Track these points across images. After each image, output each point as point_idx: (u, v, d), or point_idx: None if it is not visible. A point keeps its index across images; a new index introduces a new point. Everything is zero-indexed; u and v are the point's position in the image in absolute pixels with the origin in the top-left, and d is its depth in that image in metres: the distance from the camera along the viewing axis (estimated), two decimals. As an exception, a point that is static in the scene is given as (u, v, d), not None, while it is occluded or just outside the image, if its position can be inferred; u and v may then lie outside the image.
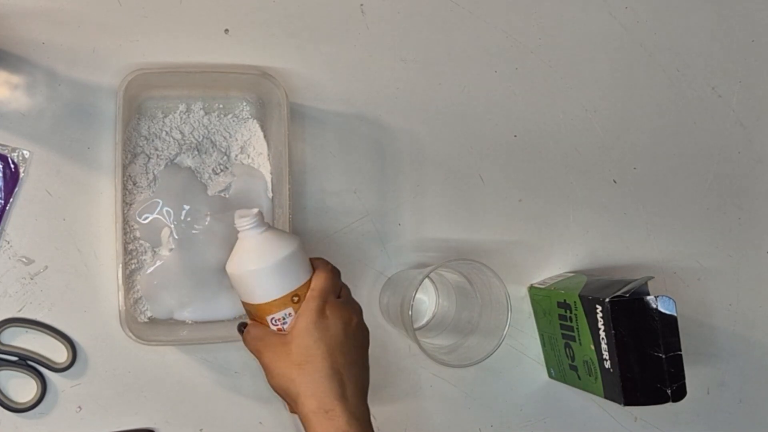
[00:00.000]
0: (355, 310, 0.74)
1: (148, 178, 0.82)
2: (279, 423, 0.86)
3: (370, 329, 0.75)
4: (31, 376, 0.80)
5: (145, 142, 0.83)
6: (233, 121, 0.86)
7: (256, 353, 0.73)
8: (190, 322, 0.84)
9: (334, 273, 0.74)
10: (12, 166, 0.80)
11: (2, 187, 0.80)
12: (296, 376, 0.70)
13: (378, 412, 0.88)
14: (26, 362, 0.80)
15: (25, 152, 0.81)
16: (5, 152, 0.80)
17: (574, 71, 0.94)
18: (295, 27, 0.87)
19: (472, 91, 0.92)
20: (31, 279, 0.81)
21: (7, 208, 0.80)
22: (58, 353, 0.81)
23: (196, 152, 0.84)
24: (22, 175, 0.80)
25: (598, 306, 0.80)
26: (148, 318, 0.83)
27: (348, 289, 0.76)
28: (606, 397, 0.83)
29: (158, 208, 0.82)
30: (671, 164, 0.97)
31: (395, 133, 0.90)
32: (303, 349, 0.70)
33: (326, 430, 0.68)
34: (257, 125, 0.86)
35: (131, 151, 0.82)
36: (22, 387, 0.81)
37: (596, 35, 0.95)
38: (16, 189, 0.80)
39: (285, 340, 0.71)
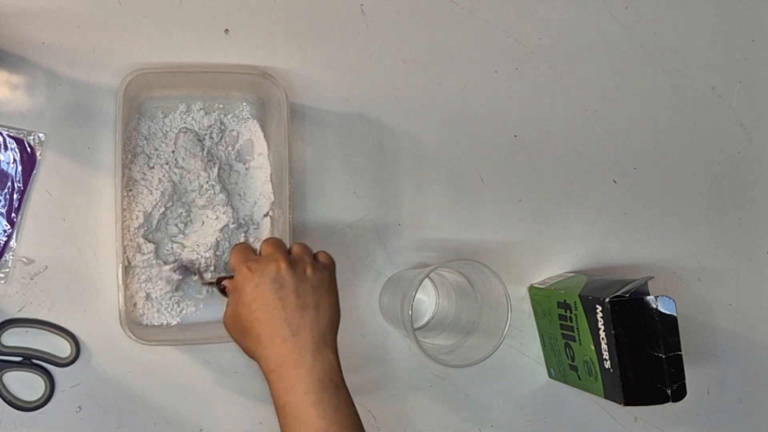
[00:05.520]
0: (276, 257, 0.72)
1: (148, 178, 0.82)
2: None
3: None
4: (38, 374, 0.80)
5: (145, 142, 0.83)
6: (233, 121, 0.86)
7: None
8: (189, 323, 0.84)
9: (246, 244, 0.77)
10: (28, 149, 0.80)
11: (19, 173, 0.80)
12: (248, 342, 0.72)
13: (378, 412, 0.88)
14: (31, 361, 0.80)
15: (40, 135, 0.80)
16: (20, 135, 0.80)
17: (574, 71, 0.94)
18: (295, 27, 0.87)
19: (472, 91, 0.92)
20: (31, 279, 0.81)
21: (13, 206, 0.80)
22: (62, 349, 0.81)
23: (195, 152, 0.84)
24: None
25: (598, 306, 0.80)
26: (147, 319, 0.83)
27: (276, 244, 0.75)
28: (606, 397, 0.83)
29: (158, 209, 0.82)
30: (671, 164, 0.97)
31: (395, 133, 0.90)
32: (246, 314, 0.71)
33: (274, 390, 0.69)
34: (257, 125, 0.86)
35: (131, 151, 0.82)
36: (29, 386, 0.80)
37: (596, 35, 0.95)
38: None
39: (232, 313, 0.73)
